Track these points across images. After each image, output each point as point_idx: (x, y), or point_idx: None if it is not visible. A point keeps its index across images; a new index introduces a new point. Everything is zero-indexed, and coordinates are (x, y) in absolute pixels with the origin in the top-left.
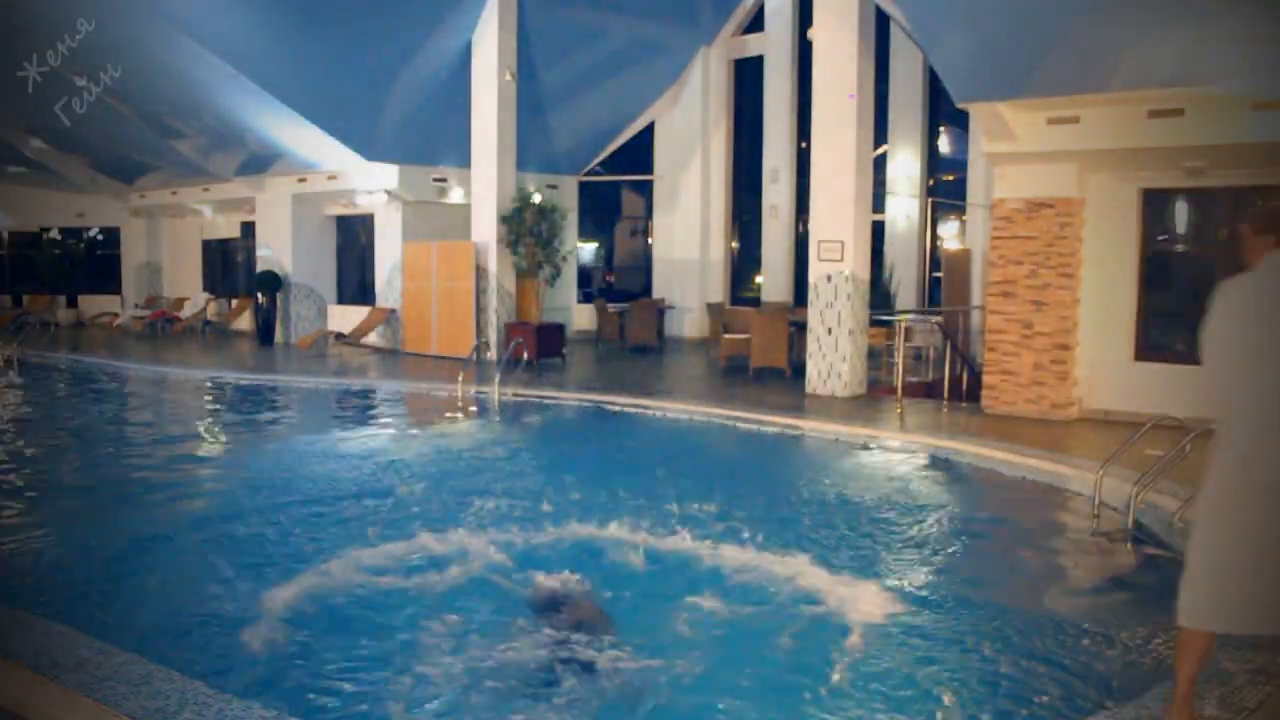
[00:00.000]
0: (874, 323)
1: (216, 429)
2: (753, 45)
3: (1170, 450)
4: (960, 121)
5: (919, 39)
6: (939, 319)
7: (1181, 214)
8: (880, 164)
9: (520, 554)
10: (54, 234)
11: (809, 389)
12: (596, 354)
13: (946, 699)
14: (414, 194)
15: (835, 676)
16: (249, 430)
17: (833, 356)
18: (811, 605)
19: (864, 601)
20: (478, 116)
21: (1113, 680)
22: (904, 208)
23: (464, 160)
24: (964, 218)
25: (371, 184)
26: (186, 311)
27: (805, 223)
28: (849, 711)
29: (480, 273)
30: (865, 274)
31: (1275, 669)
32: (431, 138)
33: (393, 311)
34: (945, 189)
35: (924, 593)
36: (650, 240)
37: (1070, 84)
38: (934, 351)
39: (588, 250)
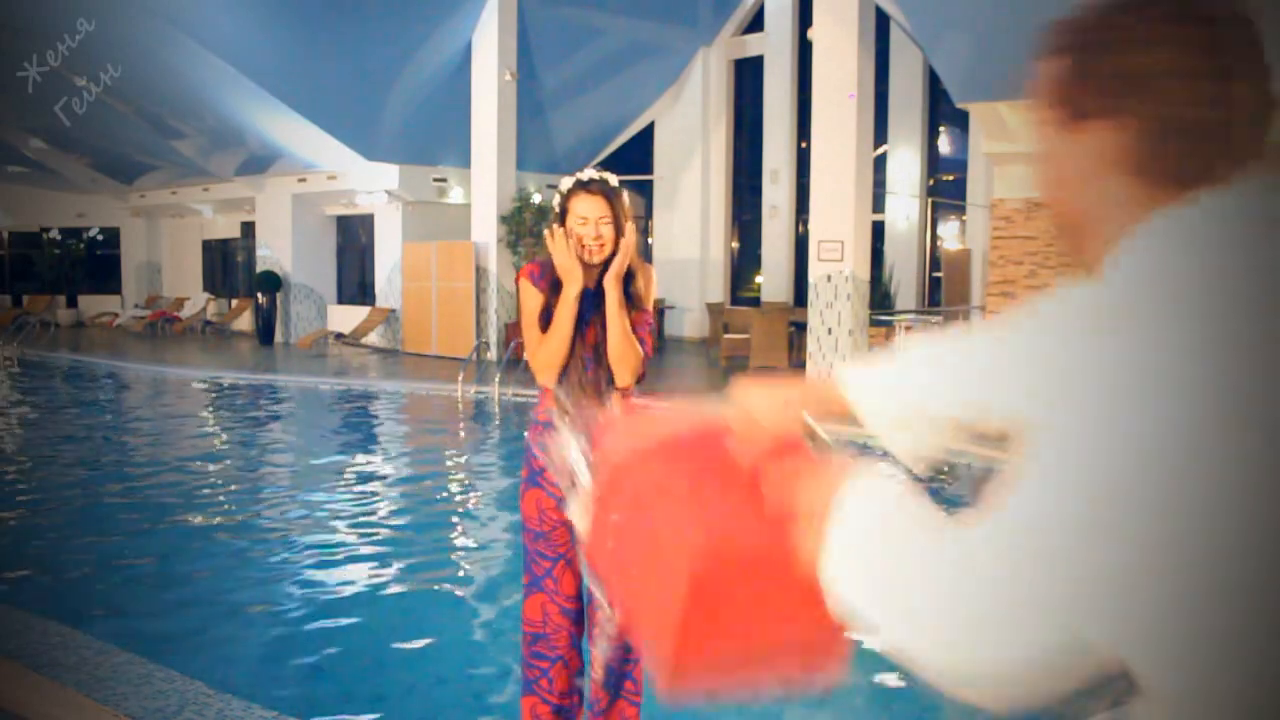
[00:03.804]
0: (874, 323)
1: (217, 429)
2: (753, 45)
3: None
4: (960, 121)
5: (919, 39)
6: (939, 319)
7: None
8: (880, 164)
9: None
10: (54, 234)
11: None
12: None
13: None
14: (414, 194)
15: None
16: (247, 431)
17: (833, 356)
18: None
19: None
20: (478, 116)
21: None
22: (904, 208)
23: (464, 160)
24: (964, 218)
25: (371, 184)
26: (186, 311)
27: (805, 223)
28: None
29: (480, 273)
30: (865, 274)
31: None
32: (431, 138)
33: (392, 311)
34: (945, 189)
35: None
36: (650, 240)
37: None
38: None
39: None
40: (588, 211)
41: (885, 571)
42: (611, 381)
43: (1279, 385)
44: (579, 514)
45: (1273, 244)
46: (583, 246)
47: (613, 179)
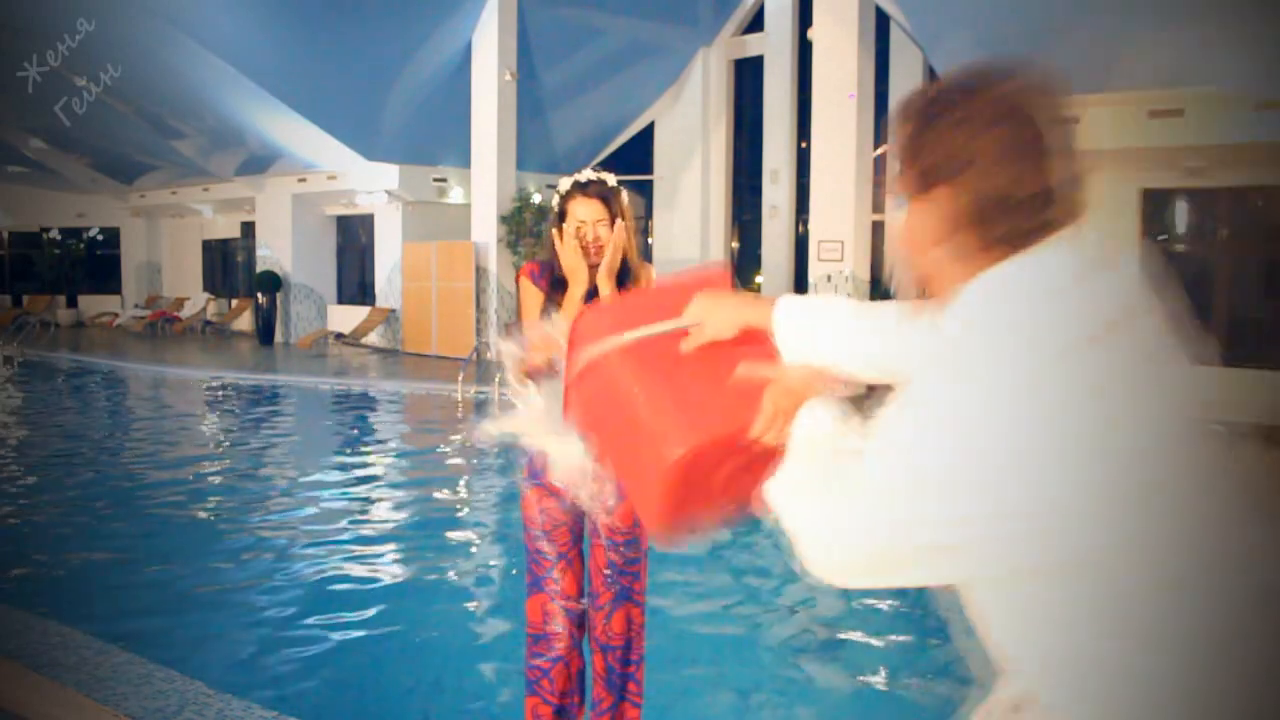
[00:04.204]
0: None
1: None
2: (753, 45)
3: None
4: None
5: (919, 39)
6: None
7: (1181, 214)
8: (880, 164)
9: None
10: (54, 234)
11: None
12: None
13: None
14: (414, 194)
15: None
16: (248, 431)
17: None
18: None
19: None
20: (478, 116)
21: None
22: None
23: (464, 160)
24: None
25: (371, 184)
26: (186, 311)
27: (805, 223)
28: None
29: (480, 273)
30: (865, 274)
31: None
32: (431, 138)
33: (392, 311)
34: None
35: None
36: (650, 240)
37: (1070, 84)
38: None
39: None
40: (585, 215)
41: (805, 477)
42: None
43: (1077, 413)
44: (518, 419)
45: (1079, 296)
46: (583, 248)
47: (611, 179)
